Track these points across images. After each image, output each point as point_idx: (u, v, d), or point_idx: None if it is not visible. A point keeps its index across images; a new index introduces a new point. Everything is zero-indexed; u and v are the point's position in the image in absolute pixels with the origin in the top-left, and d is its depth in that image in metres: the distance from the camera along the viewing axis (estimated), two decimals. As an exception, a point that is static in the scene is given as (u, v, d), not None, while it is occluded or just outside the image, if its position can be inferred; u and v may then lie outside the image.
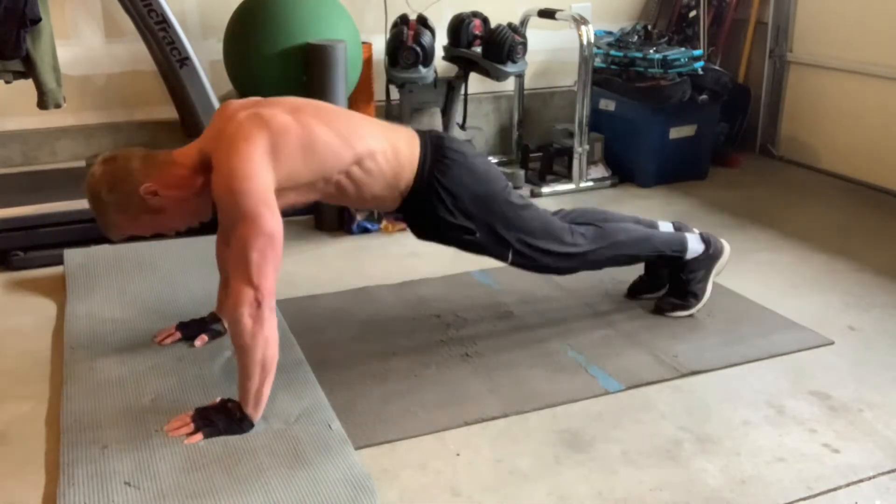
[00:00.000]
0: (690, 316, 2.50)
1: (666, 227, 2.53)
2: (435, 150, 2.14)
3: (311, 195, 2.05)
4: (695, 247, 2.46)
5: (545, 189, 3.77)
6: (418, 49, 3.43)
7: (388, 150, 2.07)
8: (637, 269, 2.64)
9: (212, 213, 2.03)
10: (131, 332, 2.36)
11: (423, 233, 2.25)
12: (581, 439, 1.93)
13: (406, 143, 2.12)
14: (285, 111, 1.96)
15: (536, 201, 3.66)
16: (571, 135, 3.80)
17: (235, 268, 1.82)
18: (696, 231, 2.54)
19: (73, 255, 2.81)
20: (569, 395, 2.10)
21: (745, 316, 2.54)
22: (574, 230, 2.31)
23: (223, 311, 2.28)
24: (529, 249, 2.24)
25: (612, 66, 3.89)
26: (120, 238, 2.09)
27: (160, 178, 1.96)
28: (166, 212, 2.00)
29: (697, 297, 2.49)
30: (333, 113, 2.08)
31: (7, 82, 2.91)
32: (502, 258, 2.26)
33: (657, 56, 3.70)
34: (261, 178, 1.83)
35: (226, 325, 2.28)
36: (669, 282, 2.55)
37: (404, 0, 3.77)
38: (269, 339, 1.82)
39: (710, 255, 2.49)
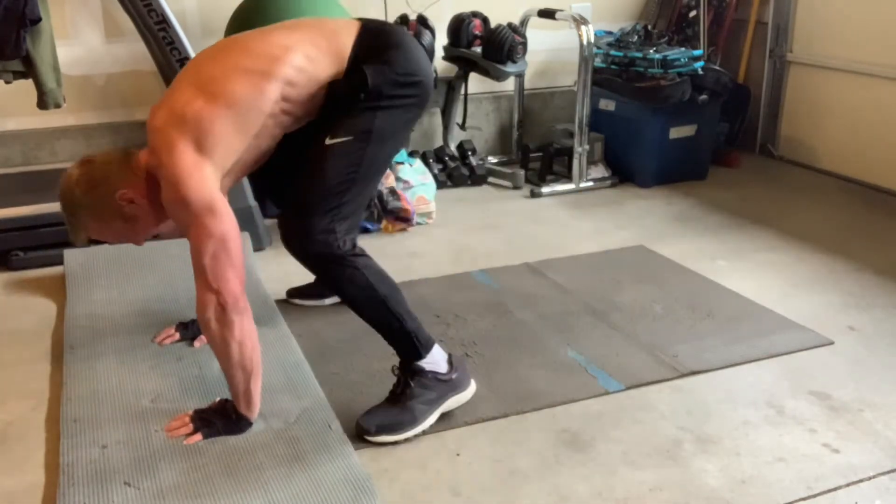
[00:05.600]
0: (407, 439, 1.92)
1: (439, 350, 2.02)
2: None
3: (265, 140, 1.93)
4: (439, 360, 1.98)
5: (545, 189, 3.76)
6: (418, 49, 3.42)
7: (311, 51, 1.89)
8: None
9: None
10: (131, 332, 2.36)
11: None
12: (581, 439, 1.93)
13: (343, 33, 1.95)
14: (193, 86, 1.85)
15: (535, 201, 3.68)
16: (571, 135, 3.80)
17: (196, 275, 1.80)
18: (449, 354, 2.04)
19: (73, 255, 2.81)
20: (569, 395, 2.10)
21: (745, 316, 2.54)
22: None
23: None
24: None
25: (612, 66, 3.89)
26: (83, 243, 2.01)
27: (137, 185, 1.90)
28: (139, 220, 1.95)
29: (415, 420, 1.92)
30: (246, 45, 1.94)
31: (7, 82, 2.91)
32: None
33: (657, 56, 3.70)
34: (197, 182, 1.77)
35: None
36: (390, 393, 1.99)
37: (404, 0, 3.77)
38: (242, 341, 1.80)
39: (452, 380, 1.98)
